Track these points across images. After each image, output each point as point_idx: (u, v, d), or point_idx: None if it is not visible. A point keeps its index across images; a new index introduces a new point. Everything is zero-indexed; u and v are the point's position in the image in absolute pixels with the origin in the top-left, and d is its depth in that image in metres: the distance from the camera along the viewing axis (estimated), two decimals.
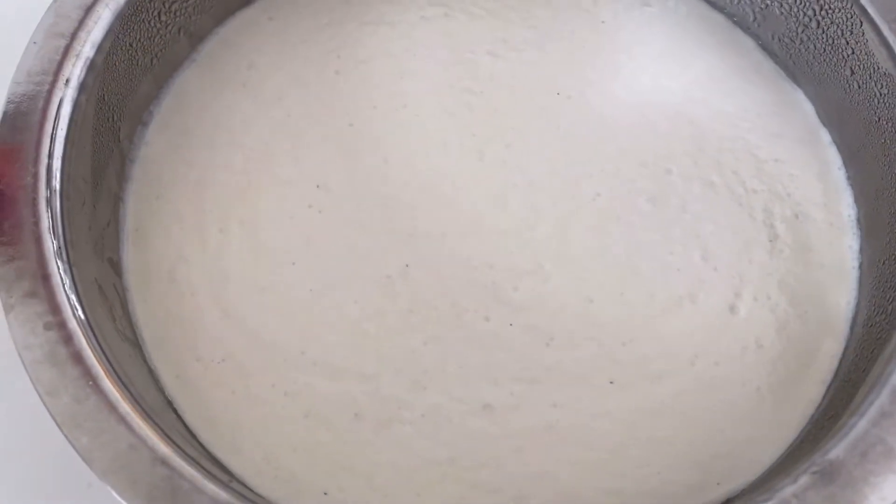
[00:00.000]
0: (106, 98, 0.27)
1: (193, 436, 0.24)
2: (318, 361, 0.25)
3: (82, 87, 0.25)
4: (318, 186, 0.28)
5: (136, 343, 0.26)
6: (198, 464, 0.21)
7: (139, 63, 0.29)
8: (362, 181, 0.28)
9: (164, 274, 0.27)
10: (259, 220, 0.27)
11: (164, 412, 0.24)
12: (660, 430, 0.24)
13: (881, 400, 0.20)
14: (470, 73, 0.29)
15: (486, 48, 0.30)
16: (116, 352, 0.23)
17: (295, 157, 0.28)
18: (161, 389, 0.25)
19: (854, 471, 0.19)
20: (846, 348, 0.25)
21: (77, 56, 0.26)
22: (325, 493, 0.23)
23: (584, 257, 0.26)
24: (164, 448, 0.20)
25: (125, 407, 0.21)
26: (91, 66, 0.26)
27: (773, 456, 0.23)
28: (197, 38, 0.31)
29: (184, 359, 0.25)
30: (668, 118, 0.28)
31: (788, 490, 0.19)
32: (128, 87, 0.29)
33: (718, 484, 0.23)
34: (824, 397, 0.24)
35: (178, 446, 0.21)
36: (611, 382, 0.25)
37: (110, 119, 0.28)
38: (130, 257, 0.28)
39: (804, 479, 0.19)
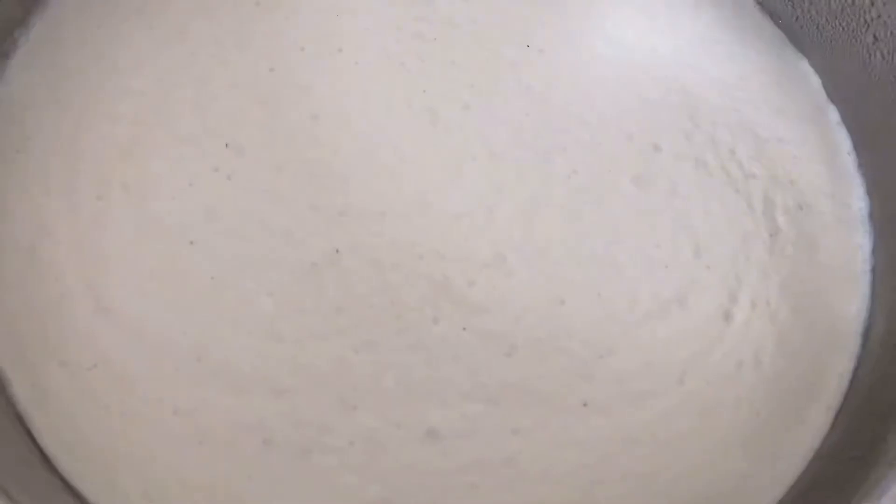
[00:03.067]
0: None
1: (50, 463, 0.19)
2: (218, 371, 0.21)
3: None
4: (227, 146, 0.22)
5: None
6: None
7: None
8: (284, 142, 0.23)
9: (23, 251, 0.21)
10: (149, 185, 0.22)
11: (9, 432, 0.19)
12: (639, 463, 0.20)
13: None
14: (423, 15, 0.24)
15: None
16: None
17: (199, 107, 0.23)
18: (10, 402, 0.20)
19: None
20: (857, 367, 0.22)
21: None
22: None
23: (554, 248, 0.22)
24: None
25: None
26: None
27: (772, 499, 0.20)
28: None
29: (43, 363, 0.20)
30: (657, 83, 0.24)
31: None
32: None
33: None
34: (833, 427, 0.21)
35: None
36: (584, 405, 0.21)
37: None
38: None
39: None
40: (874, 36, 0.22)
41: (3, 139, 0.22)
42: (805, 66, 0.24)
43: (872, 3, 0.21)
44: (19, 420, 0.20)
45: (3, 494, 0.16)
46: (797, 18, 0.24)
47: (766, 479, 0.20)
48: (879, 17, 0.21)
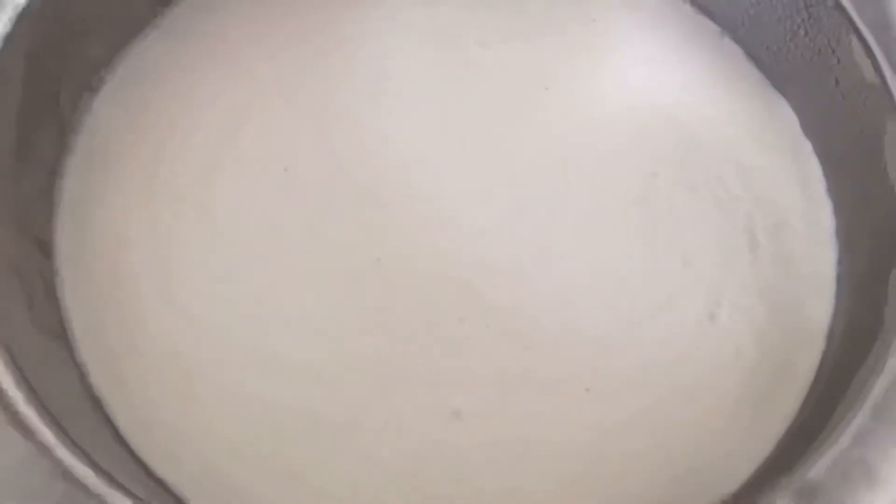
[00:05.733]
0: (41, 56, 0.24)
1: (124, 442, 0.22)
2: (272, 361, 0.23)
3: (9, 40, 0.22)
4: (285, 169, 0.25)
5: (60, 335, 0.23)
6: (110, 476, 0.18)
7: (87, 21, 0.25)
8: (335, 166, 0.25)
9: (105, 257, 0.24)
10: (218, 202, 0.25)
11: (88, 415, 0.21)
12: (636, 441, 0.23)
13: (861, 417, 0.19)
14: (457, 60, 0.28)
15: (475, 36, 0.28)
16: (26, 346, 0.20)
17: (263, 137, 0.26)
18: (88, 388, 0.22)
19: (834, 492, 0.18)
20: (822, 361, 0.25)
21: (2, 3, 0.22)
22: None
23: (565, 259, 0.25)
24: (69, 458, 0.17)
25: (24, 409, 0.18)
26: (21, 17, 0.22)
27: (749, 470, 0.23)
28: (161, 1, 0.28)
29: (120, 353, 0.23)
30: (656, 120, 0.27)
31: None
32: (72, 47, 0.25)
33: (693, 500, 0.22)
34: (801, 411, 0.24)
35: (88, 456, 0.18)
36: (587, 390, 0.23)
37: (46, 80, 0.24)
38: (65, 237, 0.24)
39: (784, 502, 0.18)
40: (836, 80, 0.26)
41: (90, 163, 0.25)
42: (784, 106, 0.28)
43: (833, 52, 0.26)
44: (97, 404, 0.22)
45: (88, 462, 0.18)
46: (778, 66, 0.28)
47: (743, 456, 0.23)
48: (840, 62, 0.26)
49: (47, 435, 0.17)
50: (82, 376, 0.22)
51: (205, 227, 0.25)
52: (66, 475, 0.17)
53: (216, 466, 0.22)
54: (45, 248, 0.24)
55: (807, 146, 0.28)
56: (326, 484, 0.22)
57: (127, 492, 0.17)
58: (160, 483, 0.21)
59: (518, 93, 0.27)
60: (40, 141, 0.25)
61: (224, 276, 0.24)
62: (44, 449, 0.17)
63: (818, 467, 0.19)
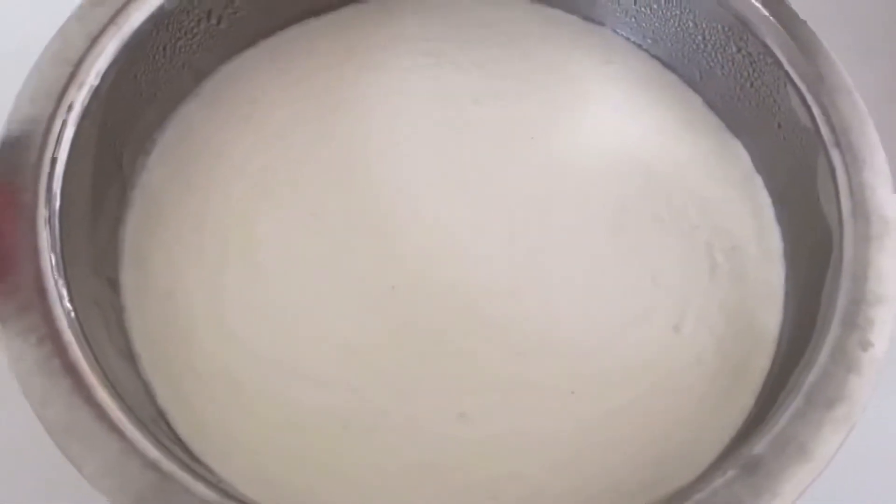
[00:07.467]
0: (109, 125, 0.27)
1: (184, 445, 0.25)
2: (308, 375, 0.27)
3: (85, 113, 0.26)
4: (312, 214, 0.29)
5: (130, 357, 0.27)
6: (187, 467, 0.22)
7: (143, 94, 0.30)
8: (354, 209, 0.29)
9: (162, 292, 0.28)
10: (257, 243, 0.29)
11: (157, 423, 0.24)
12: (616, 434, 0.27)
13: (796, 403, 0.23)
14: (456, 117, 0.31)
15: (470, 96, 0.33)
16: (111, 364, 0.24)
17: (293, 187, 0.30)
18: (154, 401, 0.26)
19: (773, 464, 0.22)
20: (773, 363, 0.28)
21: (81, 83, 0.27)
22: (312, 495, 0.25)
23: (553, 281, 0.29)
24: (154, 453, 0.21)
25: (117, 415, 0.22)
26: (95, 94, 0.26)
27: (712, 455, 0.26)
28: (201, 74, 0.33)
29: (178, 372, 0.26)
30: (626, 161, 0.32)
31: (719, 482, 0.22)
32: (131, 116, 0.29)
33: (666, 481, 0.25)
34: (755, 405, 0.28)
35: (169, 451, 0.22)
36: (572, 392, 0.27)
37: (112, 145, 0.29)
38: (129, 276, 0.29)
39: (731, 473, 0.22)
40: (778, 124, 0.31)
41: (146, 214, 0.29)
42: (737, 146, 0.32)
43: (774, 101, 0.31)
44: (161, 414, 0.25)
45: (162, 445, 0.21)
46: (730, 112, 0.33)
47: (706, 445, 0.26)
48: (780, 109, 0.31)
49: (138, 436, 0.22)
50: (148, 391, 0.26)
51: (246, 264, 0.28)
52: (154, 466, 0.21)
53: (261, 462, 0.25)
54: (114, 286, 0.28)
55: (758, 180, 0.32)
56: (354, 475, 0.25)
57: (200, 477, 0.22)
58: (215, 475, 0.25)
59: (508, 142, 0.31)
60: (108, 197, 0.29)
61: (264, 303, 0.27)
62: (134, 447, 0.21)
63: (761, 444, 0.23)
